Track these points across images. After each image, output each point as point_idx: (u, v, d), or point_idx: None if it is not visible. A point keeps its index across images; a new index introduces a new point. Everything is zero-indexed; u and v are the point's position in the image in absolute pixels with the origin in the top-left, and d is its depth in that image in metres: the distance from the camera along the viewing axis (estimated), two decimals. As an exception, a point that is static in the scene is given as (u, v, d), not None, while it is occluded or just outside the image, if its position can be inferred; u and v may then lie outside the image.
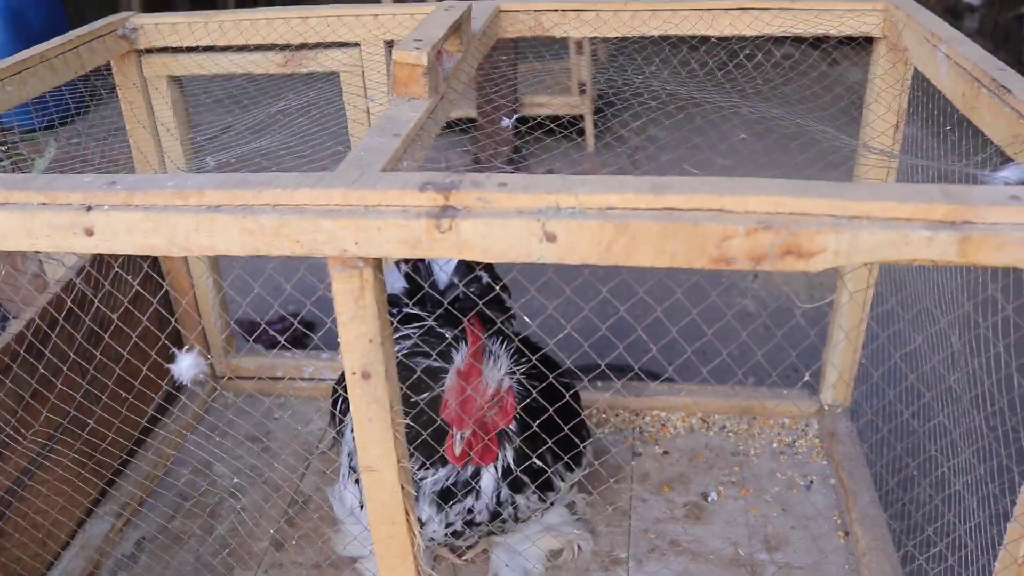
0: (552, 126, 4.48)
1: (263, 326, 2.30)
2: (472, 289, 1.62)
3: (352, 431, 1.30)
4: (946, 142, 1.18)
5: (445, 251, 0.74)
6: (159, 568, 1.53)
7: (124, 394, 1.61)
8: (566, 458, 1.33)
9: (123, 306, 1.59)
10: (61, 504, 1.51)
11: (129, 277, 1.65)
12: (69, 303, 1.46)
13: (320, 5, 1.51)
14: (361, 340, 0.80)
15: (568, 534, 1.50)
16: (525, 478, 1.29)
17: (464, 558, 1.52)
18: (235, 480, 1.70)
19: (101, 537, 1.55)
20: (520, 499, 1.31)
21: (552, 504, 1.41)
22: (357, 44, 1.52)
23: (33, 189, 0.80)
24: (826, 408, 1.78)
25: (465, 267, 1.63)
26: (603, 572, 1.48)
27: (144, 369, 1.55)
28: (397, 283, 1.63)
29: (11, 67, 1.25)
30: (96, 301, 1.51)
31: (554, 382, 1.23)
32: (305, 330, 2.32)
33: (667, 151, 4.60)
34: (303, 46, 1.54)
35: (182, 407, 1.85)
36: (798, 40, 1.50)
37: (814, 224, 0.68)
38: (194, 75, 1.59)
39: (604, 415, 1.85)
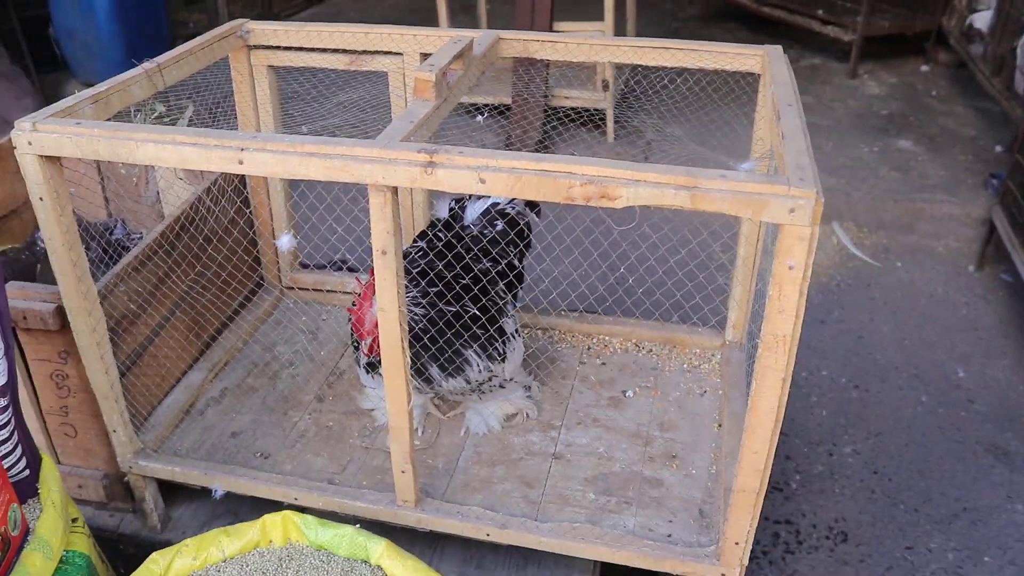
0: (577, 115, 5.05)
1: (326, 266, 2.99)
2: (487, 231, 2.22)
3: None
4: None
5: (428, 184, 1.39)
6: (236, 406, 2.22)
7: (221, 288, 2.30)
8: (471, 348, 1.97)
9: (222, 227, 2.28)
10: (174, 357, 2.21)
11: (227, 206, 2.34)
12: (189, 219, 2.15)
13: (378, 24, 2.17)
14: (383, 232, 1.47)
15: (520, 405, 2.15)
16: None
17: (448, 415, 2.19)
18: (291, 357, 2.39)
19: (198, 383, 2.24)
20: (492, 366, 1.96)
21: (493, 385, 2.04)
22: (400, 54, 2.17)
23: (212, 136, 1.47)
24: (727, 343, 2.40)
25: (487, 214, 2.19)
26: (542, 432, 2.14)
27: (236, 272, 2.24)
28: (442, 211, 2.25)
29: (174, 57, 1.93)
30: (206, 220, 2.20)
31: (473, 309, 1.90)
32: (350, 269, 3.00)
33: (678, 145, 5.20)
34: (364, 52, 2.20)
35: (258, 303, 2.54)
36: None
37: (615, 182, 1.32)
38: (287, 66, 2.26)
39: (563, 336, 2.50)
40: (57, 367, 1.92)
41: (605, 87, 5.12)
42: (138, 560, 2.18)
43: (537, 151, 5.13)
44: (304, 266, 2.77)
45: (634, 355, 2.43)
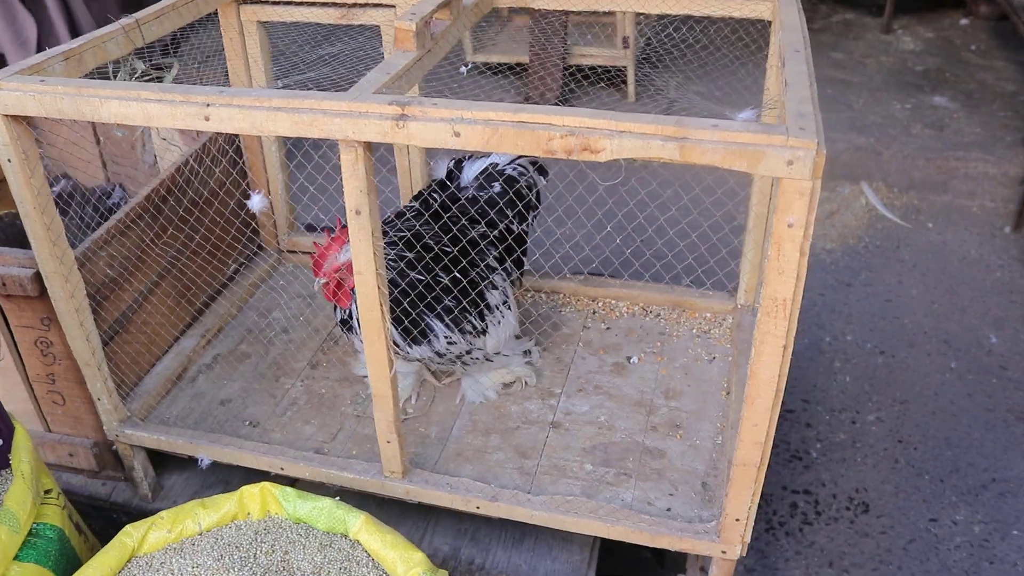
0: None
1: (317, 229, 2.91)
2: (481, 194, 2.12)
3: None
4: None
5: (401, 139, 1.30)
6: (228, 374, 2.17)
7: (212, 252, 2.24)
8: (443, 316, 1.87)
9: (215, 191, 2.21)
10: (164, 323, 2.16)
11: (217, 170, 2.27)
12: (175, 182, 2.08)
13: (368, -25, 2.06)
14: (355, 191, 1.38)
15: (518, 372, 2.07)
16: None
17: (443, 382, 2.12)
18: (287, 323, 2.33)
19: (190, 349, 2.19)
20: (455, 337, 1.85)
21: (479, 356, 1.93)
22: (393, 6, 2.07)
23: (177, 92, 1.39)
24: (739, 306, 2.29)
25: (484, 173, 2.07)
26: (540, 399, 2.06)
27: (228, 238, 2.17)
28: (440, 172, 2.14)
29: (154, 12, 1.84)
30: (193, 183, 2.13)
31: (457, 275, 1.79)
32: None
33: (700, 103, 5.03)
34: (355, 4, 2.09)
35: (255, 268, 2.48)
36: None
37: (598, 134, 1.22)
38: (276, 21, 2.17)
39: (568, 299, 2.40)
40: (40, 334, 1.87)
41: (625, 44, 4.96)
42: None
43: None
44: (310, 229, 2.71)
45: (641, 320, 2.33)
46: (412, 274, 1.79)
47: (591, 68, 5.14)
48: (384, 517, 2.01)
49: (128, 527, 1.51)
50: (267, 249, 2.58)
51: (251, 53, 2.21)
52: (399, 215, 2.00)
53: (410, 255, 1.80)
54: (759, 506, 2.56)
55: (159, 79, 2.33)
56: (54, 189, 2.43)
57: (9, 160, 1.55)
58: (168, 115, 1.40)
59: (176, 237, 2.12)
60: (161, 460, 2.08)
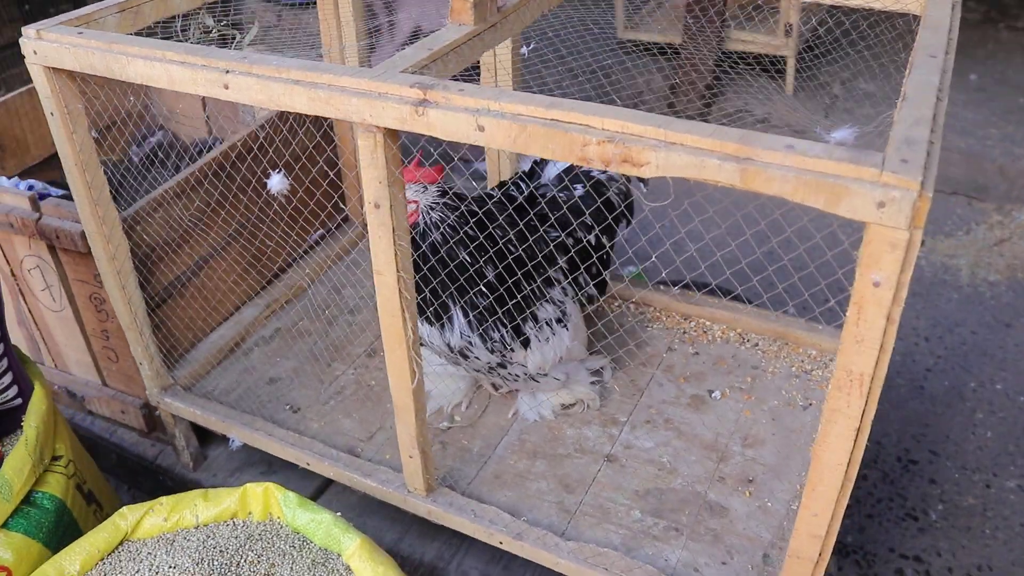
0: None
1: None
2: (562, 195, 1.91)
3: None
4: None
5: (421, 128, 1.12)
6: (283, 350, 2.08)
7: (292, 221, 2.15)
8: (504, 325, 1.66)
9: (298, 154, 2.11)
10: (228, 290, 2.09)
11: (301, 132, 2.16)
12: (247, 146, 1.99)
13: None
14: (373, 181, 1.21)
15: (581, 393, 1.86)
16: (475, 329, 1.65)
17: (500, 391, 1.94)
18: (357, 302, 2.21)
19: (251, 319, 2.12)
20: (475, 339, 1.65)
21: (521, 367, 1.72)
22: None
23: (199, 55, 1.27)
24: (852, 348, 1.97)
25: (569, 172, 1.87)
26: (601, 427, 1.84)
27: (303, 208, 2.07)
28: (525, 165, 1.96)
29: (230, -35, 1.75)
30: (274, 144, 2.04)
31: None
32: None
33: (867, 105, 4.54)
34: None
35: (336, 241, 2.38)
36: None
37: (642, 143, 0.99)
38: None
39: (658, 313, 2.16)
40: (94, 290, 1.84)
41: (788, 32, 4.53)
42: (175, 492, 2.13)
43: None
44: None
45: (735, 347, 2.05)
46: (459, 250, 1.60)
47: (749, 54, 4.75)
48: (420, 528, 1.88)
49: (124, 509, 1.43)
50: (353, 220, 2.47)
51: (343, 10, 2.08)
52: (488, 195, 1.83)
53: (464, 231, 1.61)
54: (856, 564, 2.24)
55: (231, 39, 2.23)
56: (149, 140, 2.43)
57: (52, 113, 1.49)
58: (190, 80, 1.28)
59: (251, 201, 2.04)
60: (207, 431, 2.02)
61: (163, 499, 1.46)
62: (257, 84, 1.22)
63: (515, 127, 1.05)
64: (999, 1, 5.58)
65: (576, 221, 1.80)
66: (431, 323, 1.64)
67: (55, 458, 1.53)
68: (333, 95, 1.16)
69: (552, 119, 1.03)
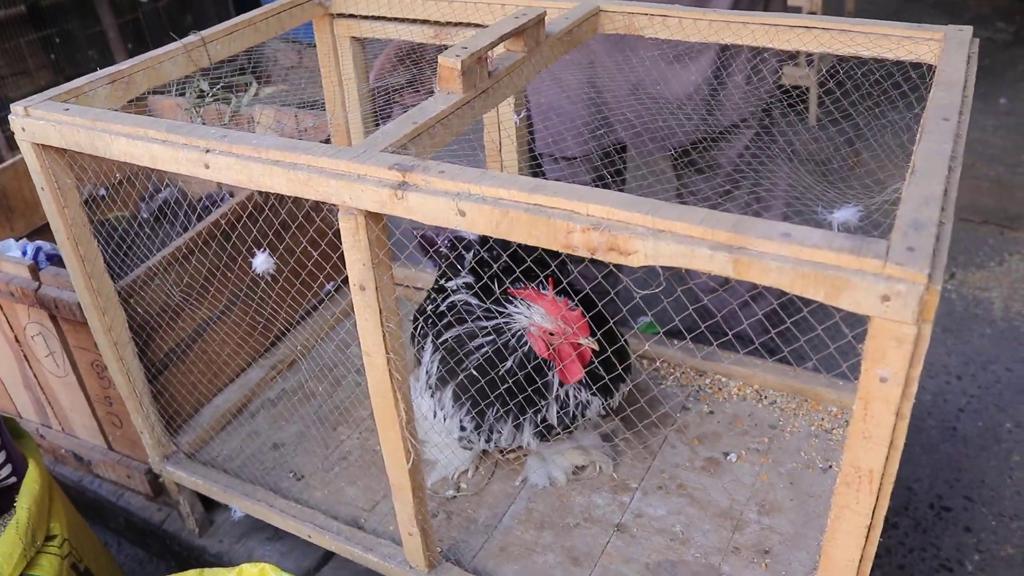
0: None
1: (438, 243, 2.73)
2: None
3: (428, 353, 1.69)
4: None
5: (401, 211, 1.07)
6: (289, 413, 2.04)
7: (292, 279, 2.11)
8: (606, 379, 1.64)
9: (294, 213, 2.08)
10: (231, 351, 2.06)
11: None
12: (244, 208, 1.97)
13: (465, -8, 1.84)
14: (357, 263, 1.17)
15: (593, 456, 1.80)
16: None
17: (506, 455, 1.87)
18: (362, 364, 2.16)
19: (256, 381, 2.08)
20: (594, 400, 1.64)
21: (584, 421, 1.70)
22: (487, 26, 1.83)
23: (180, 134, 1.24)
24: (875, 404, 1.89)
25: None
26: (611, 493, 1.77)
27: (309, 265, 2.04)
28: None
29: (224, 29, 1.72)
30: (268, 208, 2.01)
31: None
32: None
33: (891, 135, 4.43)
34: (448, 24, 1.88)
35: (342, 298, 2.34)
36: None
37: (629, 231, 0.93)
38: (370, 38, 2.00)
39: (671, 369, 2.08)
40: (96, 357, 1.82)
41: (810, 62, 4.47)
42: (183, 559, 2.08)
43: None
44: (423, 252, 2.52)
45: (751, 406, 1.97)
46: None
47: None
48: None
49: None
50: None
51: (344, 72, 2.05)
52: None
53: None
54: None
55: (226, 101, 2.22)
56: (158, 197, 2.41)
57: (42, 188, 1.47)
58: (171, 159, 1.25)
59: (248, 265, 2.01)
60: (211, 496, 1.98)
61: (156, 582, 1.41)
62: (237, 164, 1.18)
63: (496, 212, 1.00)
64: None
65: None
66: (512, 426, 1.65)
67: (49, 538, 1.49)
68: (312, 176, 1.12)
69: (535, 204, 0.98)
